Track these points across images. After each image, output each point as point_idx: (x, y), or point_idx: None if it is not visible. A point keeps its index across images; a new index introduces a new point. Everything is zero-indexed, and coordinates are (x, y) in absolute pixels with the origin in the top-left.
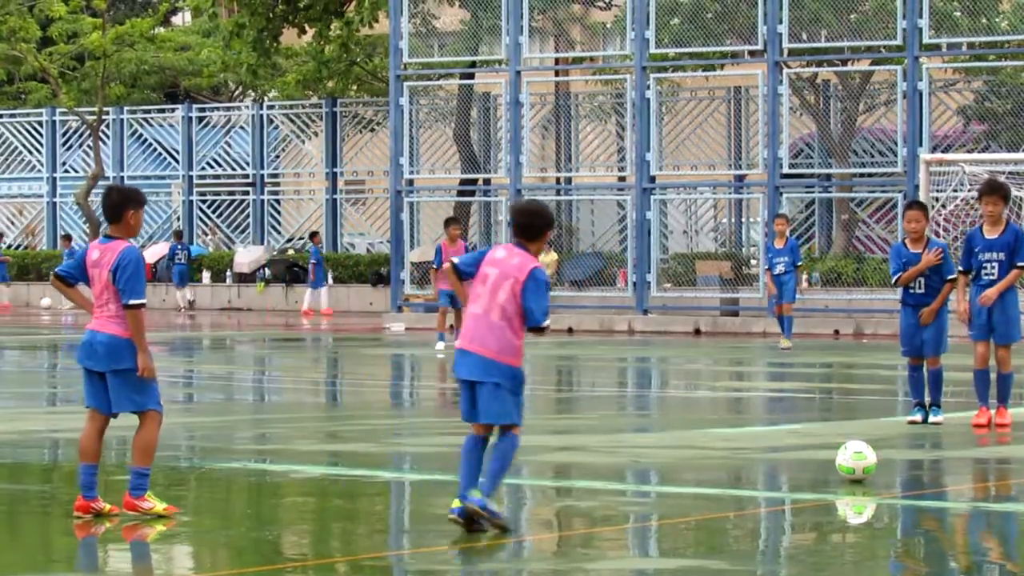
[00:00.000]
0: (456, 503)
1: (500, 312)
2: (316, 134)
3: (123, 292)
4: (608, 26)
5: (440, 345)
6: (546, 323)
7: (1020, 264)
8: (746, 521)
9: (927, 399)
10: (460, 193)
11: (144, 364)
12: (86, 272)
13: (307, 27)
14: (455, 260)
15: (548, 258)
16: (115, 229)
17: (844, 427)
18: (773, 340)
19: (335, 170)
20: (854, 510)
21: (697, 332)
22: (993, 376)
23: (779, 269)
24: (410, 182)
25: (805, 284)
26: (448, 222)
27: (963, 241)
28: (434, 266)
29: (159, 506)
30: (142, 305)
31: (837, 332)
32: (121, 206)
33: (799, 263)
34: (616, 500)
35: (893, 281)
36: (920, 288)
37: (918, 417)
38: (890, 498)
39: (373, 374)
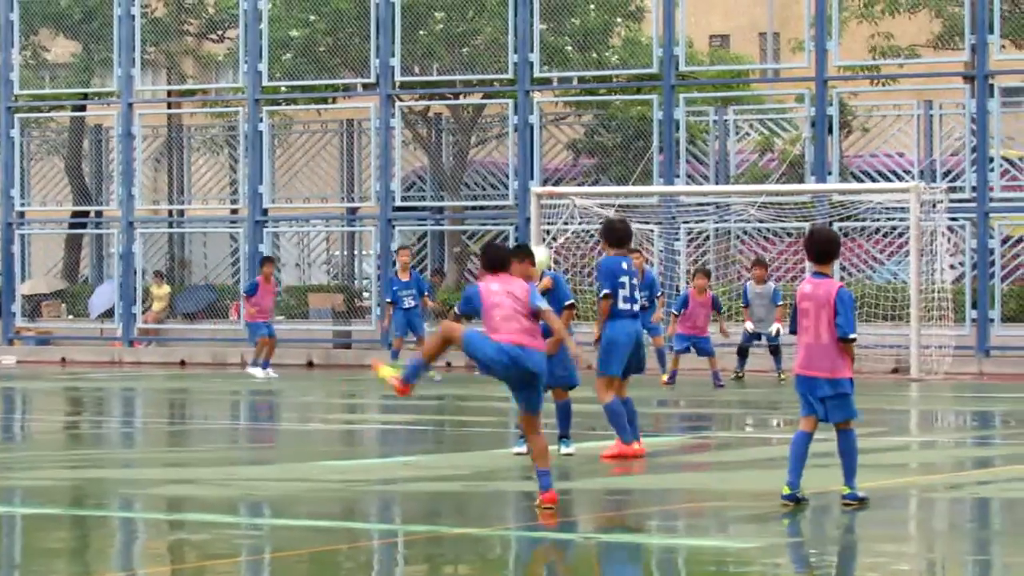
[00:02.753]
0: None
1: (828, 335)
2: None
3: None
4: (221, 59)
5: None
6: (854, 335)
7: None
8: (359, 554)
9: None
10: (72, 225)
11: None
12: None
13: None
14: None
15: (160, 291)
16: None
17: (456, 459)
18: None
19: None
20: (468, 542)
21: (310, 364)
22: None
23: (408, 303)
24: (21, 214)
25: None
26: (264, 261)
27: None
28: (245, 293)
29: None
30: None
31: (449, 364)
32: (506, 260)
33: (425, 292)
34: (229, 533)
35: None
36: None
37: (524, 448)
38: (503, 529)
39: None
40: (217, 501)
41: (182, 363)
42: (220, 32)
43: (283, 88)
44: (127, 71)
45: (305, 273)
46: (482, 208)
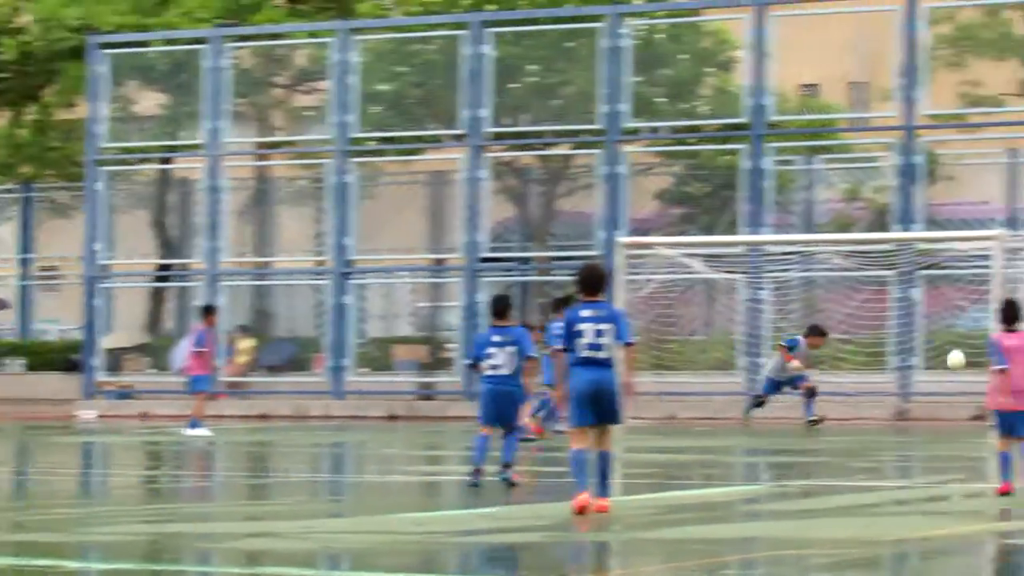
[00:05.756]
0: None
1: None
2: (10, 219)
3: None
4: (310, 111)
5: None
6: None
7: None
8: None
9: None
10: (157, 279)
11: None
12: None
13: (1, 111)
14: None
15: (245, 344)
16: None
17: (538, 509)
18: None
19: (28, 256)
20: None
21: (393, 417)
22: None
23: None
24: (105, 268)
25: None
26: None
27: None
28: (203, 349)
29: None
30: None
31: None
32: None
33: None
34: None
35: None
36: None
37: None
38: None
39: (62, 462)
40: (296, 554)
41: (263, 416)
42: (310, 84)
43: (372, 140)
44: (214, 123)
45: (391, 324)
46: (569, 258)
